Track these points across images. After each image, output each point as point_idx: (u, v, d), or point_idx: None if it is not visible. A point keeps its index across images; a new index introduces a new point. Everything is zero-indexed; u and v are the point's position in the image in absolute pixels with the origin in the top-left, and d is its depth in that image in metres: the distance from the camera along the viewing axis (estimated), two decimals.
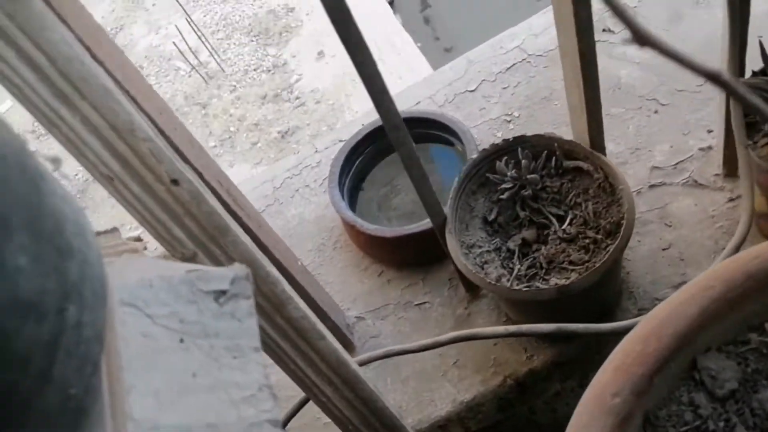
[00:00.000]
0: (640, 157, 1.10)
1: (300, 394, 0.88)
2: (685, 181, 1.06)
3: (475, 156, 0.94)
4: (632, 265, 1.03)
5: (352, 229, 1.11)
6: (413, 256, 1.12)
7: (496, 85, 1.25)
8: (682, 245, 1.02)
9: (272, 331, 0.68)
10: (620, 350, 0.60)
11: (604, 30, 1.25)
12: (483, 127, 1.21)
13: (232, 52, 6.69)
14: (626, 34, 0.29)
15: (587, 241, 0.88)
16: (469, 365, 1.03)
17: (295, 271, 0.93)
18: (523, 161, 0.91)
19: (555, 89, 1.21)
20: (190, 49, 6.28)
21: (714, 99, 1.11)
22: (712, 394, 0.60)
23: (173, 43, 6.33)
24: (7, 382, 0.28)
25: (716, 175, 1.05)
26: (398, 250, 1.10)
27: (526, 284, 0.87)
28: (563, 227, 0.90)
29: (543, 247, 0.89)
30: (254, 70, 6.57)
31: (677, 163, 1.08)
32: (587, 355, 1.02)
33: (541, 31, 1.28)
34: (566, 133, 0.96)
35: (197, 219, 0.61)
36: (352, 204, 1.17)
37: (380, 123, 1.21)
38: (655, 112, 1.14)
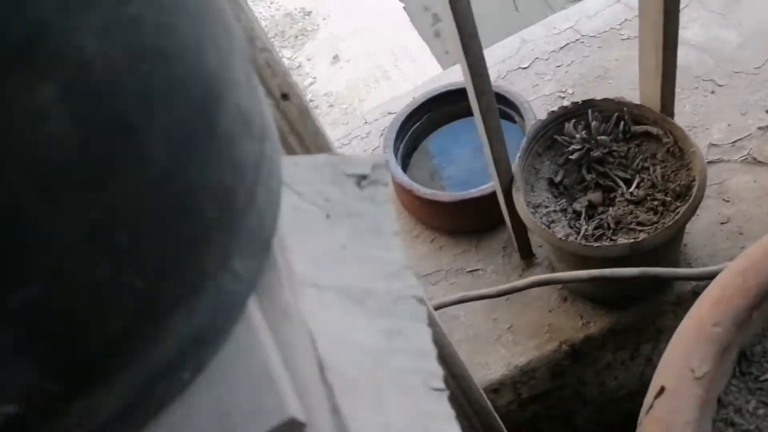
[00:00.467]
0: (697, 135, 1.11)
1: None
2: (743, 158, 1.07)
3: (543, 118, 0.95)
4: (690, 238, 1.03)
5: (407, 194, 1.12)
6: (467, 223, 1.12)
7: (550, 64, 1.26)
8: (740, 220, 1.02)
9: None
10: (718, 284, 0.60)
11: None
12: (536, 103, 1.22)
13: None
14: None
15: (656, 203, 0.88)
16: (524, 331, 1.03)
17: None
18: (593, 123, 0.91)
19: (609, 69, 1.22)
20: None
21: None
22: None
23: None
24: (231, 185, 0.28)
25: None
26: (453, 216, 1.11)
27: (594, 243, 0.87)
28: (630, 190, 0.90)
29: (610, 209, 0.90)
30: None
31: (735, 141, 1.09)
32: (643, 325, 1.02)
33: (594, 13, 1.29)
34: None
35: (302, 137, 0.61)
36: (405, 171, 1.17)
37: (434, 94, 1.22)
38: (712, 92, 1.15)
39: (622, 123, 0.93)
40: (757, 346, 0.61)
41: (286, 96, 0.59)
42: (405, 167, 1.20)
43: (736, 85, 1.14)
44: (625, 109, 0.93)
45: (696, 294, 1.00)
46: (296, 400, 0.31)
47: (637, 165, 0.92)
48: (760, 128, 1.08)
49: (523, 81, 1.26)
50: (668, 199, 0.88)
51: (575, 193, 0.93)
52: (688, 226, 1.04)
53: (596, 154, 0.92)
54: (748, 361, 0.60)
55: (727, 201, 1.04)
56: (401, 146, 1.19)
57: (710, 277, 0.66)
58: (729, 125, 1.11)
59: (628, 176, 0.92)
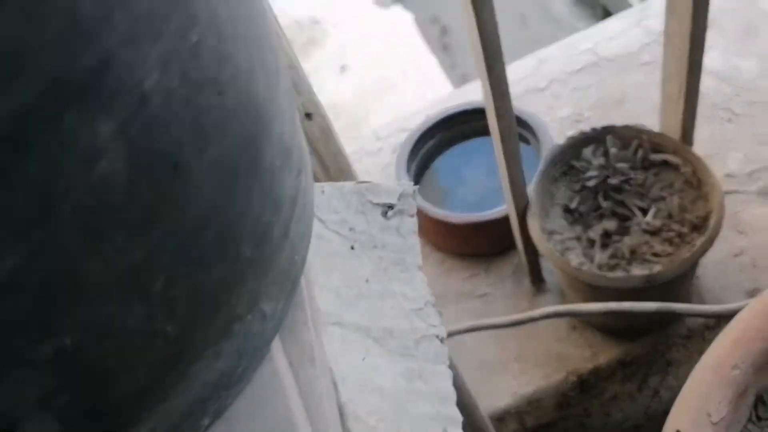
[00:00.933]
0: (713, 163, 1.09)
1: None
2: (759, 190, 1.06)
3: (561, 143, 0.94)
4: (703, 270, 1.02)
5: (418, 213, 1.10)
6: (477, 246, 1.10)
7: (567, 85, 1.25)
8: (754, 252, 1.01)
9: None
10: (738, 325, 0.59)
11: None
12: (552, 125, 1.20)
13: None
14: None
15: (671, 234, 0.87)
16: (531, 359, 1.01)
17: None
18: (611, 150, 0.90)
19: (627, 93, 1.21)
20: None
21: None
22: None
23: None
24: (267, 222, 0.27)
25: None
26: (463, 238, 1.09)
27: (609, 273, 0.85)
28: (647, 219, 0.89)
29: (625, 238, 0.88)
30: None
31: (751, 172, 1.07)
32: (653, 357, 1.01)
33: (613, 35, 1.28)
34: None
35: (322, 158, 0.60)
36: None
37: (448, 113, 1.21)
38: (729, 120, 1.13)
39: (640, 151, 0.92)
40: None
41: (309, 115, 0.58)
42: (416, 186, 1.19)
43: (754, 114, 1.13)
44: (644, 136, 0.92)
45: (708, 328, 0.99)
46: None
47: (654, 194, 0.91)
48: None
49: (539, 102, 1.25)
50: (685, 230, 0.87)
51: (590, 221, 0.92)
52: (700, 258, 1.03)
53: (613, 181, 0.90)
54: (765, 406, 0.58)
55: (741, 233, 1.03)
56: (413, 166, 1.18)
57: (728, 314, 0.65)
58: (745, 155, 1.09)
59: (645, 205, 0.91)
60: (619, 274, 0.85)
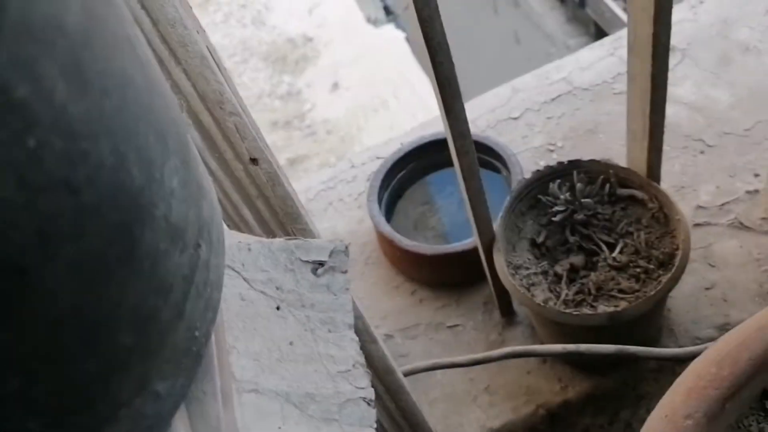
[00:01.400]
0: (685, 195, 1.09)
1: None
2: (730, 222, 1.05)
3: (527, 177, 0.93)
4: (674, 302, 1.01)
5: (389, 244, 1.10)
6: (448, 277, 1.10)
7: (540, 115, 1.25)
8: (725, 286, 1.01)
9: None
10: (692, 372, 0.58)
11: None
12: (525, 155, 1.20)
13: (247, 77, 6.75)
14: None
15: (638, 270, 0.87)
16: (501, 392, 1.00)
17: None
18: (578, 185, 0.90)
19: (600, 123, 1.21)
20: None
21: (762, 144, 1.11)
22: None
23: None
24: (153, 306, 0.26)
25: (763, 218, 1.04)
26: (434, 269, 1.09)
27: (573, 309, 0.85)
28: (613, 255, 0.89)
29: (592, 274, 0.88)
30: (268, 96, 6.62)
31: (723, 204, 1.07)
32: (623, 391, 1.00)
33: (588, 65, 1.28)
34: None
35: (270, 202, 0.59)
36: (388, 221, 1.15)
37: (421, 142, 1.21)
38: (701, 152, 1.13)
39: (608, 185, 0.92)
40: None
41: (255, 161, 0.57)
42: (389, 215, 1.18)
43: (726, 146, 1.13)
44: (611, 171, 0.91)
45: (679, 362, 0.98)
46: None
47: (622, 229, 0.90)
48: (748, 192, 1.07)
49: (513, 132, 1.25)
50: (651, 266, 0.86)
51: (558, 255, 0.91)
52: (672, 290, 1.02)
53: (580, 216, 0.90)
54: None
55: (713, 266, 1.03)
56: (386, 194, 1.17)
57: (686, 357, 0.64)
58: (717, 187, 1.09)
59: (612, 240, 0.90)
60: (584, 311, 0.84)
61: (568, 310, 0.83)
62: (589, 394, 0.98)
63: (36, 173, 0.19)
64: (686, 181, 1.11)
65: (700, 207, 1.08)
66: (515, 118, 1.25)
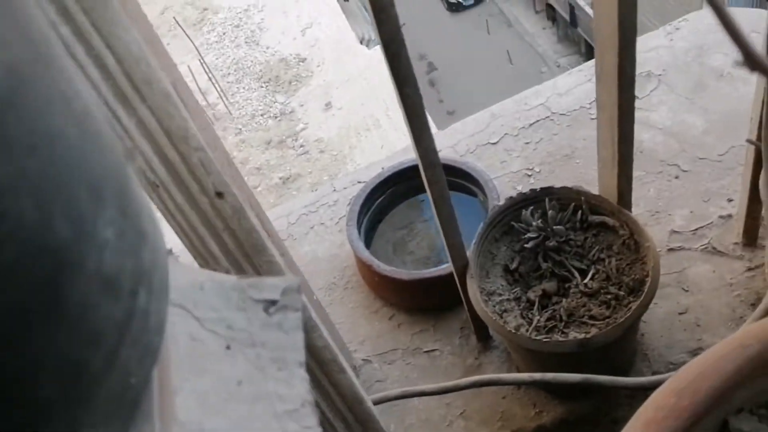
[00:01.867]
0: (659, 220, 1.10)
1: None
2: (704, 247, 1.06)
3: (501, 203, 0.94)
4: (648, 327, 1.02)
5: (367, 269, 1.10)
6: (426, 302, 1.10)
7: (519, 140, 1.26)
8: (698, 311, 1.01)
9: None
10: (652, 403, 0.59)
11: None
12: (503, 180, 1.21)
13: (241, 96, 6.79)
14: (736, 56, 0.29)
15: (609, 296, 0.87)
16: (476, 417, 1.01)
17: (312, 304, 0.91)
18: (549, 212, 0.91)
19: (577, 148, 1.22)
20: (199, 89, 6.36)
21: (735, 169, 1.13)
22: None
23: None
24: (80, 358, 0.27)
25: (735, 243, 1.05)
26: (412, 294, 1.09)
27: (545, 336, 0.85)
28: (585, 281, 0.89)
29: (563, 300, 0.89)
30: (261, 115, 6.66)
31: (696, 229, 1.08)
32: (597, 417, 1.00)
33: (565, 90, 1.30)
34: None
35: (236, 235, 0.60)
36: (368, 245, 1.16)
37: (401, 167, 1.22)
38: (676, 177, 1.15)
39: (579, 212, 0.93)
40: None
41: (220, 194, 0.58)
42: (369, 239, 1.19)
43: (700, 171, 1.14)
44: (583, 198, 0.93)
45: (653, 387, 0.99)
46: None
47: (593, 255, 0.91)
48: (721, 217, 1.08)
49: (492, 156, 1.26)
50: (622, 293, 0.87)
51: (531, 281, 0.92)
52: (646, 315, 1.03)
53: (552, 243, 0.91)
54: None
55: (686, 291, 1.04)
56: (365, 219, 1.18)
57: (650, 386, 0.65)
58: (692, 212, 1.10)
59: (584, 267, 0.91)
60: (555, 337, 0.85)
61: (539, 337, 0.84)
62: (563, 420, 0.98)
63: None
64: (661, 206, 1.12)
65: (674, 232, 1.09)
66: (494, 143, 1.27)
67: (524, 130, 1.27)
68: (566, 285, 0.91)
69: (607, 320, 0.85)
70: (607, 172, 0.88)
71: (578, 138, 1.23)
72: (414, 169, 1.22)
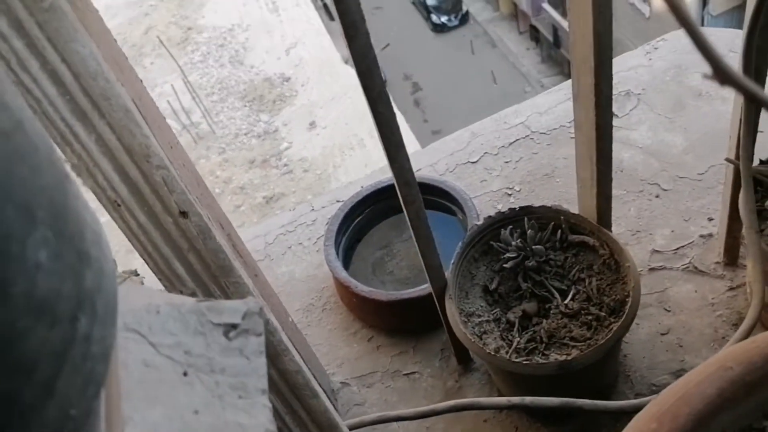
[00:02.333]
0: (640, 239, 1.10)
1: None
2: (685, 266, 1.05)
3: (479, 223, 0.93)
4: (630, 348, 1.00)
5: (345, 290, 1.08)
6: (406, 323, 1.08)
7: (498, 159, 1.25)
8: (680, 331, 1.00)
9: None
10: (633, 428, 0.57)
11: None
12: (483, 199, 1.20)
13: (225, 116, 6.78)
14: (706, 72, 0.28)
15: (590, 317, 0.86)
16: None
17: (286, 327, 0.89)
18: (528, 231, 0.89)
19: (557, 167, 1.21)
20: (183, 108, 6.33)
21: (715, 188, 1.12)
22: None
23: (167, 101, 6.39)
24: (10, 388, 0.25)
25: (716, 262, 1.04)
26: (391, 315, 1.07)
27: (525, 358, 0.84)
28: (566, 302, 0.88)
29: (544, 321, 0.87)
30: (245, 134, 6.64)
31: (678, 249, 1.07)
32: None
33: (545, 109, 1.29)
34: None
35: (201, 255, 0.58)
36: (347, 265, 1.14)
37: (380, 186, 1.20)
38: (657, 196, 1.14)
39: (559, 231, 0.92)
40: None
41: (185, 214, 0.56)
42: (348, 259, 1.17)
43: (681, 190, 1.14)
44: (563, 217, 0.91)
45: (637, 409, 0.97)
46: None
47: (574, 275, 0.90)
48: (702, 236, 1.07)
49: (472, 175, 1.25)
50: (602, 314, 0.86)
51: (510, 302, 0.91)
52: (628, 335, 1.01)
53: (531, 263, 0.89)
54: None
55: (668, 311, 1.02)
56: (344, 239, 1.16)
57: (632, 410, 0.63)
58: (672, 231, 1.10)
59: (564, 287, 0.90)
60: (535, 359, 0.83)
61: (519, 359, 0.82)
62: None
63: None
64: (642, 225, 1.11)
65: (655, 251, 1.08)
66: (474, 162, 1.26)
67: (504, 149, 1.26)
68: (546, 306, 0.89)
69: (588, 341, 0.84)
70: (587, 191, 0.87)
71: (558, 157, 1.22)
72: (393, 188, 1.21)
